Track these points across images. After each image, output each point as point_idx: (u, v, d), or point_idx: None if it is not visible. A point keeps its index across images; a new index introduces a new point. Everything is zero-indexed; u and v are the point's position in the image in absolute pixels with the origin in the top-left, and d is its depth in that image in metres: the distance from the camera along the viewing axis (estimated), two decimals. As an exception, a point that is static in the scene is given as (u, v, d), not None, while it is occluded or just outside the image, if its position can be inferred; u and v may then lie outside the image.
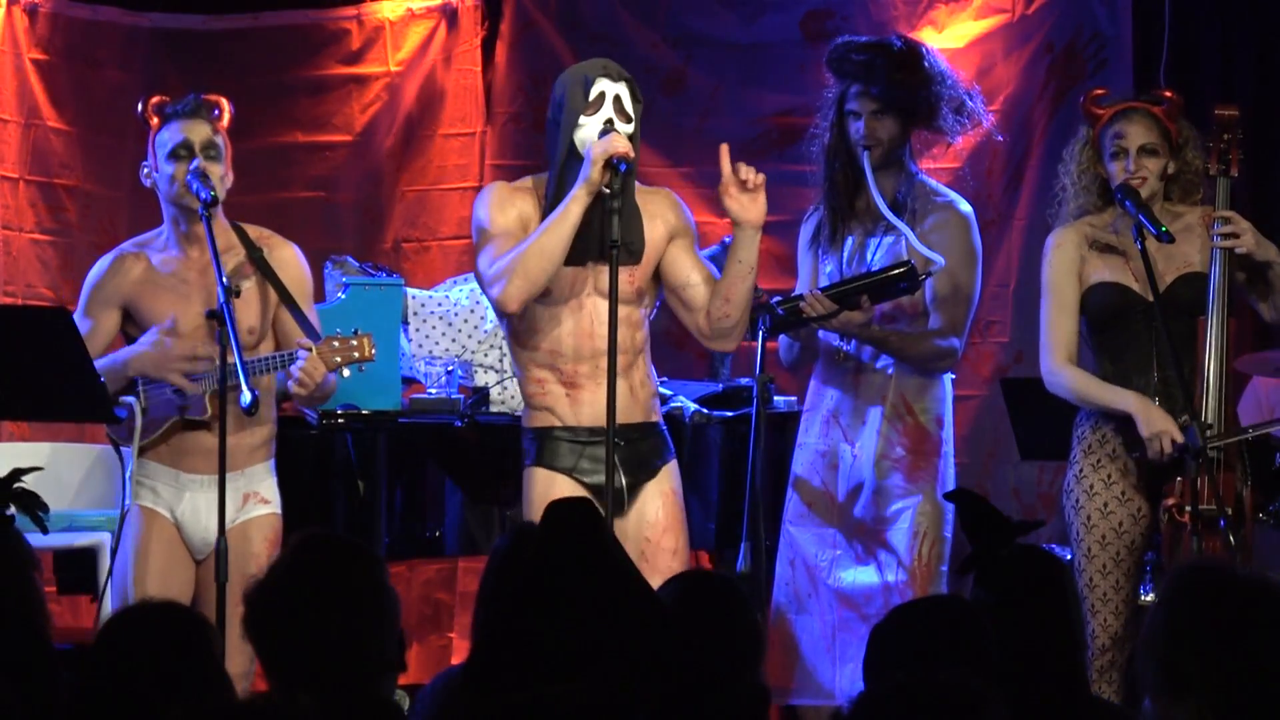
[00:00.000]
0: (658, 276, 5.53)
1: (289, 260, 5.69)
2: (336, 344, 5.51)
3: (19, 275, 7.77)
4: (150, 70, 8.01)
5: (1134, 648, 5.43)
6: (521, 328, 5.47)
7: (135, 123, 7.94)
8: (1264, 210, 7.44)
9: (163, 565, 5.52)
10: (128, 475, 5.60)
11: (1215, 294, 5.52)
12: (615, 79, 5.39)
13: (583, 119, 5.37)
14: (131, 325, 5.68)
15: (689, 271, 5.48)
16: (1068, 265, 5.68)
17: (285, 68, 8.06)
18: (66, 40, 7.88)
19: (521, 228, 5.43)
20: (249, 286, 5.58)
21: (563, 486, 5.39)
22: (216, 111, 5.67)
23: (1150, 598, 5.86)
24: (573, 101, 5.39)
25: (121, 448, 5.63)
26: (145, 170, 5.68)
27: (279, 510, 5.67)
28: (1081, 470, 5.65)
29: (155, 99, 5.70)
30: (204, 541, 5.57)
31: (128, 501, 5.59)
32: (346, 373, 5.56)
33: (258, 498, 5.63)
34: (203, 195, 5.46)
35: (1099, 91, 5.77)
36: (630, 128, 5.37)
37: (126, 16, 8.01)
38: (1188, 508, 5.41)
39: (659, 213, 5.50)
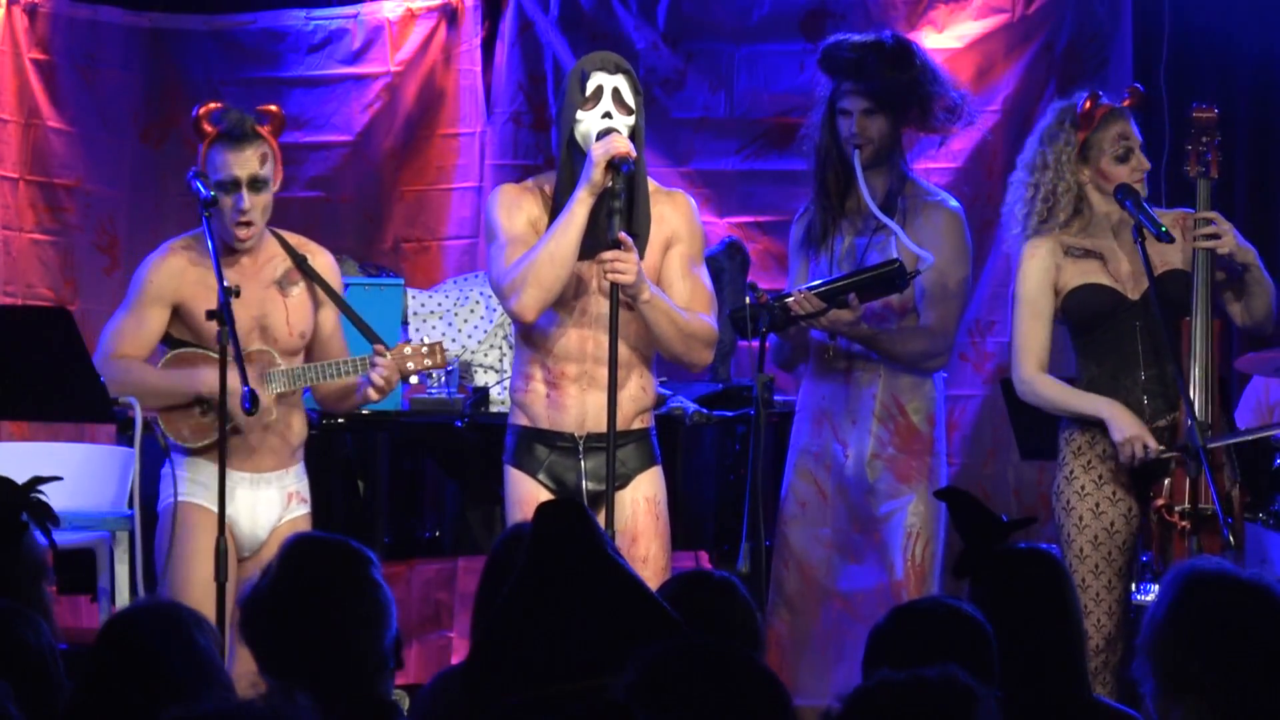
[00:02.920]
0: None
1: (328, 268, 5.74)
2: (409, 350, 5.57)
3: (19, 275, 7.77)
4: (150, 70, 8.02)
5: (1129, 648, 5.45)
6: (527, 325, 5.47)
7: (135, 123, 8.02)
8: (1263, 210, 7.45)
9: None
10: (176, 474, 5.59)
11: (1199, 295, 5.53)
12: (613, 71, 5.38)
13: (580, 113, 5.36)
14: (177, 325, 5.65)
15: (668, 285, 5.45)
16: (1041, 275, 5.68)
17: (285, 68, 8.06)
18: (66, 40, 7.89)
19: (532, 231, 5.43)
20: (298, 291, 5.63)
21: (531, 488, 5.43)
22: (266, 127, 5.59)
23: (1149, 598, 5.85)
24: (571, 96, 5.38)
25: (172, 447, 5.63)
26: (196, 178, 5.53)
27: (309, 510, 5.72)
28: (1072, 471, 5.66)
29: (207, 108, 5.58)
30: (254, 538, 5.59)
31: (176, 496, 5.58)
32: (415, 380, 5.60)
33: (299, 497, 5.68)
34: (203, 194, 5.45)
35: (1089, 104, 5.72)
36: (631, 119, 5.35)
37: (126, 16, 8.01)
38: (1178, 508, 5.42)
39: (665, 215, 5.49)
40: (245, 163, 5.54)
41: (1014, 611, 3.69)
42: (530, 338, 5.49)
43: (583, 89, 5.36)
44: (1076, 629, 3.79)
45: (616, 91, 5.36)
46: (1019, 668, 3.60)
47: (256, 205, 5.56)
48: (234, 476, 5.57)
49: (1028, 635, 3.67)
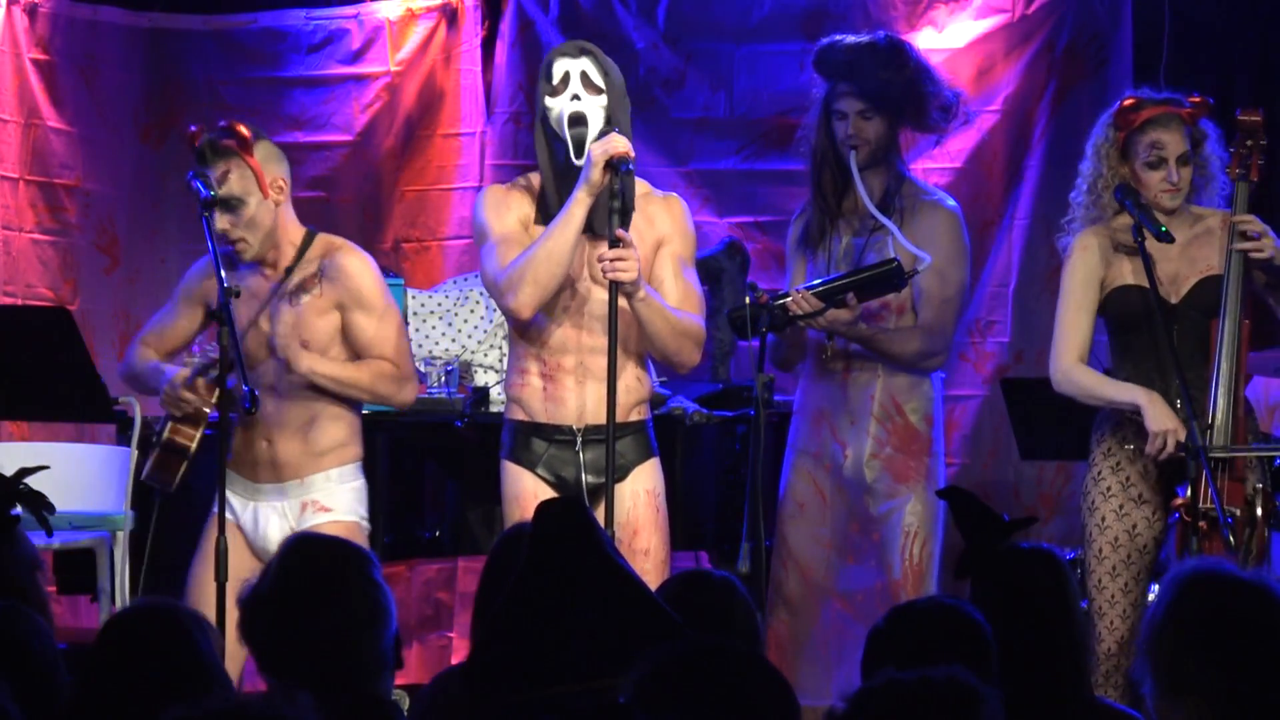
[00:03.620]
0: None
1: (348, 269, 5.56)
2: (201, 384, 5.51)
3: (19, 275, 7.77)
4: (150, 70, 8.02)
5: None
6: (523, 322, 5.48)
7: (135, 123, 8.02)
8: (1265, 211, 7.44)
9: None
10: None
11: (1230, 296, 5.49)
12: (575, 55, 5.40)
13: (549, 100, 5.39)
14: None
15: (659, 286, 5.44)
16: (1089, 270, 5.62)
17: (285, 68, 8.06)
18: (66, 40, 7.89)
19: (522, 229, 5.44)
20: (307, 300, 5.51)
21: (529, 483, 5.43)
22: (229, 142, 5.51)
23: (1149, 597, 5.84)
24: (541, 86, 5.42)
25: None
26: (196, 178, 5.53)
27: (345, 517, 5.55)
28: (1100, 472, 5.61)
29: (193, 132, 5.58)
30: (261, 549, 5.53)
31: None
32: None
33: (317, 506, 5.54)
34: (202, 194, 5.44)
35: (1130, 101, 5.69)
36: (602, 99, 5.37)
37: (126, 16, 8.02)
38: (1200, 508, 5.39)
39: (657, 217, 5.49)
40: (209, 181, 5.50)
41: (1015, 611, 3.68)
42: (525, 332, 5.49)
43: (550, 78, 5.38)
44: (1078, 629, 3.78)
45: (584, 74, 5.38)
46: (1019, 668, 3.59)
47: (233, 225, 5.47)
48: (251, 487, 5.55)
49: (1028, 635, 3.67)
